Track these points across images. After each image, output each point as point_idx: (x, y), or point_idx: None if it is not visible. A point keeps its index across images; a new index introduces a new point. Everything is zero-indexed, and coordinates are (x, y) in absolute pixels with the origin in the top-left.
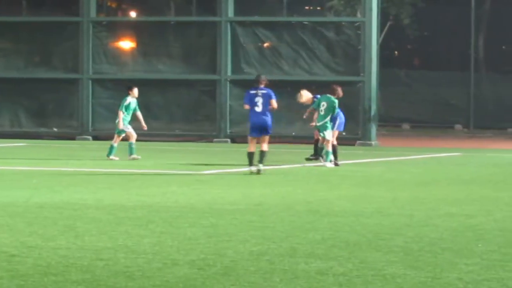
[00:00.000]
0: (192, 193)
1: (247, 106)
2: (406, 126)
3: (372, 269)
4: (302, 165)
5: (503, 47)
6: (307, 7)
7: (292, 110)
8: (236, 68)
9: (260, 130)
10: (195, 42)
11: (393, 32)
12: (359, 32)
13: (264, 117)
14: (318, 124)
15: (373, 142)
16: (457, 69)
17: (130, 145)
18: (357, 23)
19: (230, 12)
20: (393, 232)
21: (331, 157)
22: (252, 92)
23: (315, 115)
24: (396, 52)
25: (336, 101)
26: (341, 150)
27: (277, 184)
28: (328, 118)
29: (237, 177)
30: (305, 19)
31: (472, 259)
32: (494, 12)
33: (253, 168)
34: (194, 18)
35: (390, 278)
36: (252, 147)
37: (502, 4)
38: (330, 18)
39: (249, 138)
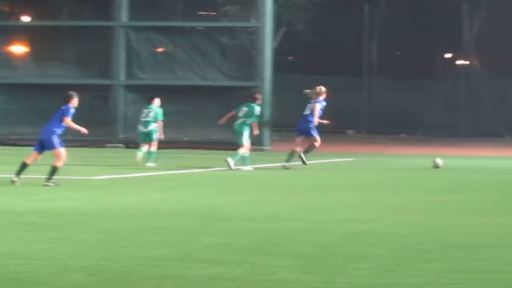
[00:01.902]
0: (86, 198)
1: None
2: None
3: (264, 274)
4: (197, 170)
5: (397, 52)
6: (201, 12)
7: (184, 115)
8: (130, 73)
9: (41, 144)
10: (89, 47)
11: (288, 38)
12: (253, 37)
13: (47, 131)
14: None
15: (266, 147)
16: (351, 74)
17: (152, 153)
18: (251, 28)
19: (125, 17)
20: (285, 237)
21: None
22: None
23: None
24: (290, 57)
25: (257, 107)
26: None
27: (173, 189)
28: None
29: (131, 183)
30: (199, 24)
31: (364, 263)
32: (387, 18)
33: (15, 178)
34: (88, 23)
35: (281, 283)
36: (28, 159)
37: (396, 10)
38: (224, 23)
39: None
